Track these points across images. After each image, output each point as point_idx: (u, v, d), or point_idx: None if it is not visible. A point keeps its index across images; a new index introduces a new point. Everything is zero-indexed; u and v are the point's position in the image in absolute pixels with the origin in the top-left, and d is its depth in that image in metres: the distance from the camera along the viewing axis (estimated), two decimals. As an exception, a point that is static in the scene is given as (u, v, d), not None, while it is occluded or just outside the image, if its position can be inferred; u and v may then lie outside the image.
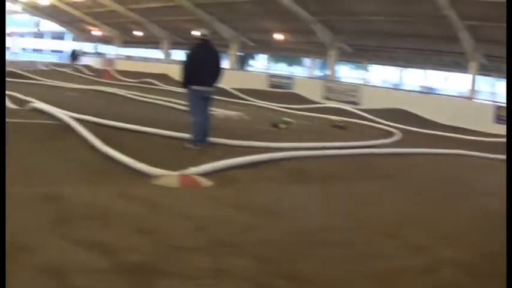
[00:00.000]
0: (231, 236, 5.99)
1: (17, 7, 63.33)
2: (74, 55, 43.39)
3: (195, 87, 11.93)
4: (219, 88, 12.91)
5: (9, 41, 76.49)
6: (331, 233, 6.35)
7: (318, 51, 35.88)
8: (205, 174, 9.09)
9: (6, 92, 17.98)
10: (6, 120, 12.14)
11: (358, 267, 5.33)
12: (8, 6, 64.97)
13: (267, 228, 6.38)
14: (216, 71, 12.30)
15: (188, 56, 12.44)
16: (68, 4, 52.01)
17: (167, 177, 8.68)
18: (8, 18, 77.99)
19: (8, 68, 33.20)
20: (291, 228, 6.44)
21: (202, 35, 12.29)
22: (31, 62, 55.30)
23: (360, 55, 34.88)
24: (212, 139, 12.09)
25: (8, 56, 66.69)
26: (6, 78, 26.89)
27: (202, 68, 11.87)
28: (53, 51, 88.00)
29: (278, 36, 37.53)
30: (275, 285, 4.76)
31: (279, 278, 4.89)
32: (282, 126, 16.13)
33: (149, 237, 5.82)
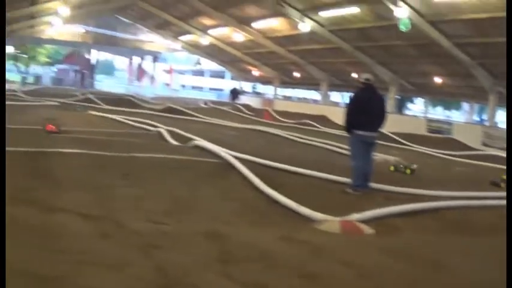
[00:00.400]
0: (395, 287, 5.89)
1: (177, 45, 65.48)
2: (235, 94, 44.37)
3: (358, 132, 11.88)
4: (379, 132, 12.79)
5: (168, 78, 79.29)
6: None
7: (477, 95, 35.17)
8: (367, 221, 9.01)
9: (169, 128, 18.59)
10: (170, 156, 12.61)
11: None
12: (169, 43, 67.50)
13: (431, 281, 6.22)
14: (380, 117, 12.21)
15: (352, 100, 12.42)
16: (228, 44, 53.39)
17: (329, 222, 8.64)
18: (170, 55, 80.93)
19: (168, 104, 34.36)
20: (455, 282, 6.25)
21: (366, 79, 12.24)
22: (191, 99, 57.01)
23: (520, 100, 33.89)
24: (372, 184, 11.97)
25: (168, 93, 69.18)
26: (168, 114, 27.96)
27: (366, 112, 11.80)
28: (211, 89, 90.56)
29: (437, 80, 37.01)
30: None
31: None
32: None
33: (312, 282, 5.80)
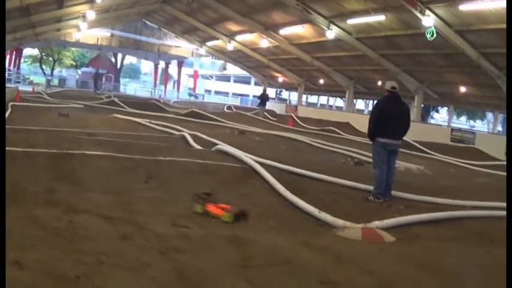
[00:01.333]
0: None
1: (202, 50, 65.70)
2: (263, 100, 44.33)
3: (382, 140, 11.88)
4: (402, 140, 12.74)
5: (193, 82, 79.61)
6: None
7: (502, 105, 34.90)
8: (388, 229, 8.99)
9: (193, 133, 18.62)
10: (194, 160, 12.63)
11: None
12: (194, 48, 67.77)
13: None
14: (404, 125, 12.21)
15: (377, 107, 12.38)
16: (253, 50, 53.50)
17: (350, 229, 8.62)
18: (195, 60, 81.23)
19: (192, 109, 34.47)
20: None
21: (392, 87, 12.21)
22: (215, 103, 57.17)
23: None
24: (394, 192, 11.96)
25: (192, 97, 69.40)
26: (191, 119, 28.02)
27: (391, 121, 11.79)
28: (235, 94, 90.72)
29: (462, 89, 36.88)
30: None
31: None
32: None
33: (333, 289, 5.82)
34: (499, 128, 48.59)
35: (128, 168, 11.25)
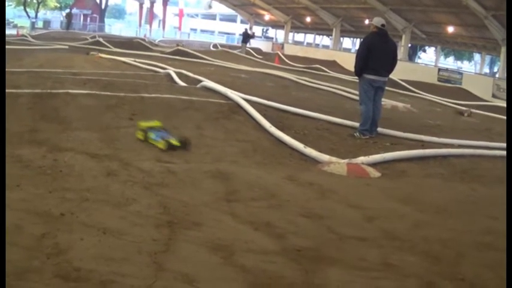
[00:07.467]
0: (399, 230, 5.89)
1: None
2: (246, 37, 44.03)
3: (369, 77, 11.78)
4: (389, 78, 12.68)
5: (178, 21, 79.14)
6: (495, 237, 6.06)
7: (490, 47, 34.84)
8: (373, 164, 8.99)
9: (178, 70, 18.50)
10: (178, 97, 12.52)
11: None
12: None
13: (435, 226, 6.21)
14: (391, 62, 12.11)
15: (364, 44, 12.23)
16: (240, -13, 53.14)
17: (335, 164, 8.61)
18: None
19: (177, 47, 34.23)
20: (457, 227, 6.23)
21: (382, 25, 12.11)
22: (200, 42, 56.89)
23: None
24: (380, 129, 11.94)
25: (177, 36, 68.97)
26: (177, 57, 27.81)
27: (378, 57, 11.67)
28: (221, 32, 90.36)
29: (450, 29, 36.75)
30: (440, 286, 4.62)
31: (444, 278, 4.74)
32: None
33: (317, 223, 5.84)
34: (486, 69, 48.65)
35: (112, 105, 11.11)
